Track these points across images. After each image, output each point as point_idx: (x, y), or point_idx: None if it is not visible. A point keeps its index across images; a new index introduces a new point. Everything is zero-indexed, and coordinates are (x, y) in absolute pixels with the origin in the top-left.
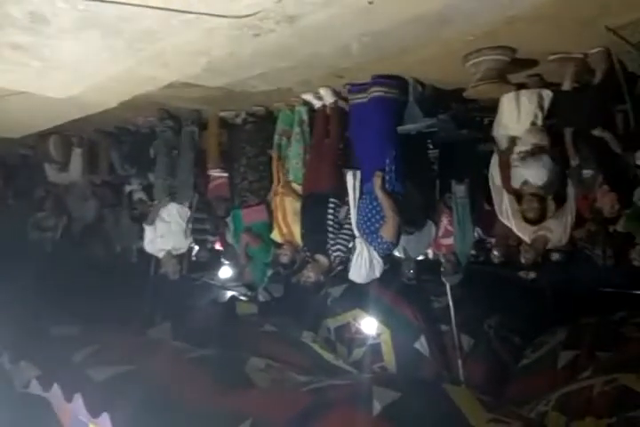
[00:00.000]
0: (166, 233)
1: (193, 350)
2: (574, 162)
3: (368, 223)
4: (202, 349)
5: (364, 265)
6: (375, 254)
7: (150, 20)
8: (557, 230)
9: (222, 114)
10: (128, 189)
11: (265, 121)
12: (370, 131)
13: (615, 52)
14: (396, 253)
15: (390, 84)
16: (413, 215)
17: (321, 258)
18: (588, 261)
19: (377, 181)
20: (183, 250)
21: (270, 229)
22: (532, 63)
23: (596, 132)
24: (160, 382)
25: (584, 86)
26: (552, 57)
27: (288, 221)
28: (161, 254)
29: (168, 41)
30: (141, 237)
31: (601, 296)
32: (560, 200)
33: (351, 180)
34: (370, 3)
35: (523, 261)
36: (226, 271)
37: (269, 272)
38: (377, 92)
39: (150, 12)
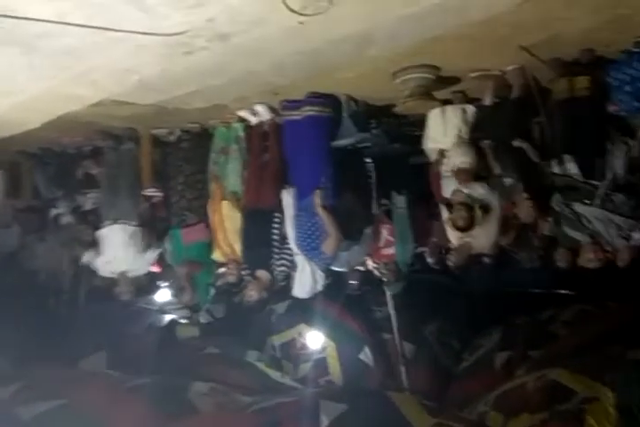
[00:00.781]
0: (116, 256)
1: (130, 380)
2: (496, 171)
3: (309, 240)
4: (140, 377)
5: (307, 280)
6: (317, 269)
7: (73, 38)
8: (481, 238)
9: (155, 131)
10: (54, 212)
11: (201, 138)
12: (304, 148)
13: (530, 69)
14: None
15: (323, 103)
16: (352, 228)
17: (263, 274)
18: (516, 264)
19: (316, 200)
20: (141, 271)
21: (211, 248)
22: (455, 80)
23: (516, 143)
24: (94, 415)
25: (503, 101)
26: (473, 74)
27: (230, 240)
28: (115, 275)
29: (94, 59)
30: (72, 263)
31: (531, 297)
32: (487, 208)
33: (287, 197)
34: (300, 23)
35: (450, 265)
36: (164, 294)
37: (212, 293)
38: (310, 111)
39: (73, 29)
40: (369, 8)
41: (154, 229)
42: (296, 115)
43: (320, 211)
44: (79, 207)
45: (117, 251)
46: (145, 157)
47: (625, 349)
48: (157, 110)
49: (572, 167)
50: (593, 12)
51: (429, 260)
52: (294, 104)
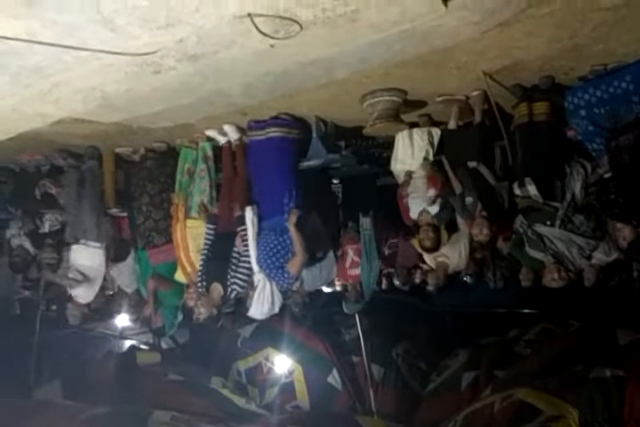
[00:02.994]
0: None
1: (87, 409)
2: (458, 191)
3: (273, 258)
4: (97, 406)
5: (266, 301)
6: (276, 290)
7: (40, 56)
8: (453, 256)
9: (119, 150)
10: (8, 234)
11: (166, 157)
12: (268, 168)
13: (492, 95)
14: (299, 286)
15: (289, 124)
16: (316, 248)
17: (216, 287)
18: (482, 284)
19: (292, 218)
20: (89, 298)
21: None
22: (421, 104)
23: (471, 164)
24: None
25: (467, 125)
26: (438, 99)
27: (192, 260)
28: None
29: (59, 77)
30: (25, 288)
31: (496, 317)
32: (452, 229)
33: (250, 215)
34: (271, 46)
35: (430, 287)
36: (123, 319)
37: (180, 316)
38: (275, 132)
39: (40, 48)
40: (338, 33)
41: (116, 250)
42: (261, 135)
43: (292, 229)
44: (36, 229)
45: (81, 274)
46: (107, 177)
47: (587, 367)
48: (121, 129)
49: (532, 189)
50: (552, 41)
51: (396, 280)
52: (260, 125)
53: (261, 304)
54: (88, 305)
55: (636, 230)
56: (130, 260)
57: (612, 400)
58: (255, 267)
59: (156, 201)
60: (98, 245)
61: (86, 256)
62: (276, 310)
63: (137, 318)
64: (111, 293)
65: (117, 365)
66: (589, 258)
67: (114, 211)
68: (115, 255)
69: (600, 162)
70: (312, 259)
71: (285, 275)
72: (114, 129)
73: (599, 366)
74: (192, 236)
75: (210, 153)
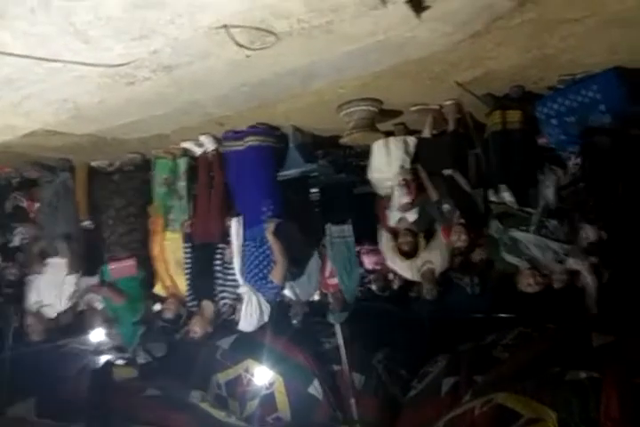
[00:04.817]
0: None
1: None
2: (434, 198)
3: (256, 270)
4: (72, 424)
5: (254, 313)
6: (263, 300)
7: (11, 68)
8: (437, 260)
9: (95, 163)
10: None
11: (135, 170)
12: (248, 178)
13: (465, 104)
14: (287, 294)
15: (266, 133)
16: (297, 256)
17: (208, 305)
18: (459, 290)
19: (270, 227)
20: (58, 308)
21: (142, 284)
22: (397, 113)
23: (447, 172)
24: None
25: (441, 133)
26: (413, 108)
27: (171, 273)
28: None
29: (31, 89)
30: None
31: (474, 322)
32: (429, 236)
33: (235, 226)
34: (247, 56)
35: (427, 297)
36: (98, 334)
37: (140, 331)
38: (253, 141)
39: (11, 59)
40: (314, 43)
41: (85, 264)
42: (239, 145)
43: (271, 237)
44: (6, 243)
45: (51, 288)
46: (80, 190)
47: (563, 370)
48: (95, 141)
49: (507, 196)
50: (522, 52)
51: (374, 286)
52: (237, 135)
53: (250, 317)
54: (55, 320)
55: (598, 232)
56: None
57: (588, 402)
58: (240, 280)
59: (121, 215)
60: (67, 258)
61: (55, 270)
62: (266, 319)
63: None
64: (83, 308)
65: (92, 381)
66: (563, 262)
67: (86, 224)
68: (85, 270)
69: (571, 168)
70: (296, 268)
71: (269, 285)
72: (87, 141)
73: (575, 369)
74: (171, 249)
75: (186, 165)
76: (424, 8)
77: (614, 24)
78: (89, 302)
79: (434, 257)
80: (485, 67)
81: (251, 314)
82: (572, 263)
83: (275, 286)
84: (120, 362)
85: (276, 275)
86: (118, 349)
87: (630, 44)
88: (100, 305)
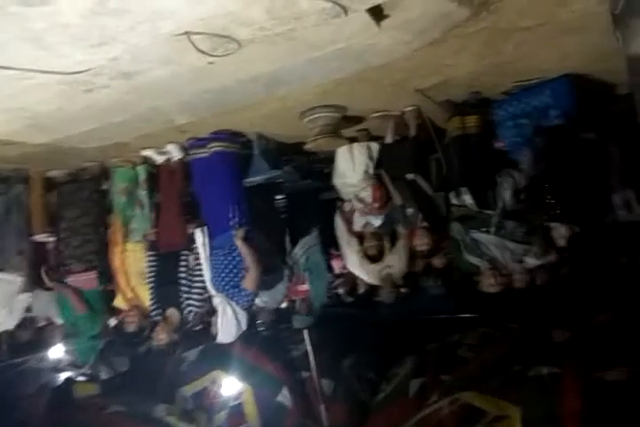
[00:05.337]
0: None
1: None
2: (398, 202)
3: (227, 278)
4: None
5: (231, 323)
6: (238, 309)
7: None
8: (397, 265)
9: (52, 173)
10: None
11: (89, 179)
12: (213, 185)
13: (425, 110)
14: (256, 302)
15: (230, 139)
16: (268, 264)
17: (173, 313)
18: (423, 291)
19: (238, 234)
20: (9, 325)
21: (102, 297)
22: (359, 119)
23: (409, 176)
24: None
25: (403, 139)
26: (375, 114)
27: (132, 285)
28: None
29: None
30: None
31: (439, 323)
32: (394, 239)
33: (200, 236)
34: (210, 63)
35: (386, 300)
36: (57, 351)
37: (99, 346)
38: (217, 147)
39: None
40: (277, 50)
41: (39, 278)
42: (203, 152)
43: (240, 245)
44: None
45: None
46: (34, 201)
47: (526, 367)
48: (51, 150)
49: (467, 198)
50: (478, 59)
51: (341, 291)
52: (201, 142)
53: (228, 328)
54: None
55: (571, 228)
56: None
57: (550, 396)
58: (212, 289)
59: (75, 226)
60: (19, 273)
61: (4, 286)
62: (243, 327)
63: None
64: (42, 324)
65: (51, 399)
66: (521, 262)
67: (42, 236)
68: (39, 284)
69: (526, 169)
70: (266, 276)
71: (243, 293)
72: (43, 150)
73: (537, 365)
74: (132, 260)
75: (144, 177)
76: (384, 16)
77: (565, 32)
78: (48, 316)
79: (395, 261)
80: (444, 74)
81: (228, 326)
82: (529, 263)
83: (248, 294)
84: (81, 379)
85: (248, 282)
86: (79, 365)
87: (580, 51)
88: (59, 320)
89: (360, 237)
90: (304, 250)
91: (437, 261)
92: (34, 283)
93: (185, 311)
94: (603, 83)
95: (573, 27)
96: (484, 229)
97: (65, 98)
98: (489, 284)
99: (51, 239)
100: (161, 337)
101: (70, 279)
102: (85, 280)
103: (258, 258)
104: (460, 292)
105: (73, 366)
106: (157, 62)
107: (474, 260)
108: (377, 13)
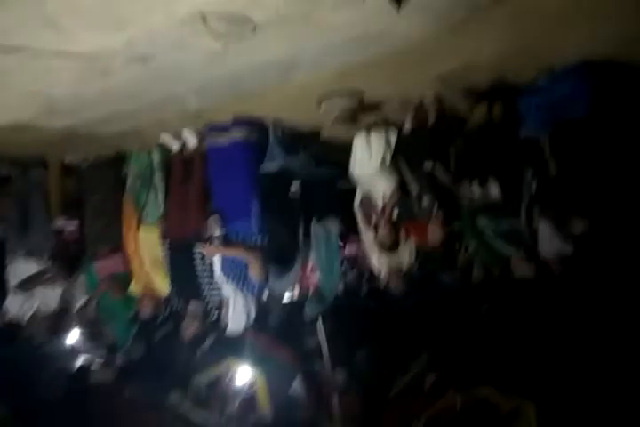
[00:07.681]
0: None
1: None
2: (415, 191)
3: (236, 270)
4: None
5: (242, 313)
6: (249, 298)
7: None
8: (404, 256)
9: (69, 158)
10: None
11: (109, 164)
12: (231, 174)
13: (446, 97)
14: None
15: (249, 128)
16: (282, 253)
17: (196, 305)
18: (437, 283)
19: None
20: (49, 309)
21: (129, 281)
22: (377, 106)
23: (427, 166)
24: None
25: (422, 127)
26: (394, 101)
27: (147, 270)
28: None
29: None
30: None
31: (454, 315)
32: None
33: (214, 226)
34: (224, 47)
35: (395, 291)
36: (75, 335)
37: (134, 329)
38: (237, 135)
39: None
40: (292, 35)
41: (66, 262)
42: (222, 140)
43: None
44: None
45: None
46: (54, 186)
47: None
48: (68, 135)
49: (493, 188)
50: (500, 43)
51: (355, 283)
52: (219, 129)
53: (238, 318)
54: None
55: (585, 222)
56: (81, 275)
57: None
58: (222, 279)
59: (99, 209)
60: (42, 259)
61: (28, 271)
62: (253, 316)
63: (89, 334)
64: (62, 308)
65: (67, 384)
66: (555, 249)
67: (62, 223)
68: (62, 270)
69: (551, 160)
70: (279, 265)
71: (252, 282)
72: (60, 136)
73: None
74: (147, 245)
75: (159, 160)
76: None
77: (592, 16)
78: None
79: (403, 253)
80: (465, 58)
81: (239, 315)
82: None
83: (256, 282)
84: (97, 364)
85: (253, 270)
86: (96, 350)
87: (609, 35)
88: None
89: (376, 227)
90: (317, 238)
91: (456, 252)
92: (56, 267)
93: (209, 304)
94: (633, 67)
95: (601, 9)
96: (513, 218)
97: (81, 81)
98: (521, 270)
99: (73, 225)
100: (191, 331)
101: (98, 265)
102: (113, 263)
103: (258, 249)
104: (477, 283)
105: (93, 351)
106: (172, 47)
107: (506, 249)
108: None
